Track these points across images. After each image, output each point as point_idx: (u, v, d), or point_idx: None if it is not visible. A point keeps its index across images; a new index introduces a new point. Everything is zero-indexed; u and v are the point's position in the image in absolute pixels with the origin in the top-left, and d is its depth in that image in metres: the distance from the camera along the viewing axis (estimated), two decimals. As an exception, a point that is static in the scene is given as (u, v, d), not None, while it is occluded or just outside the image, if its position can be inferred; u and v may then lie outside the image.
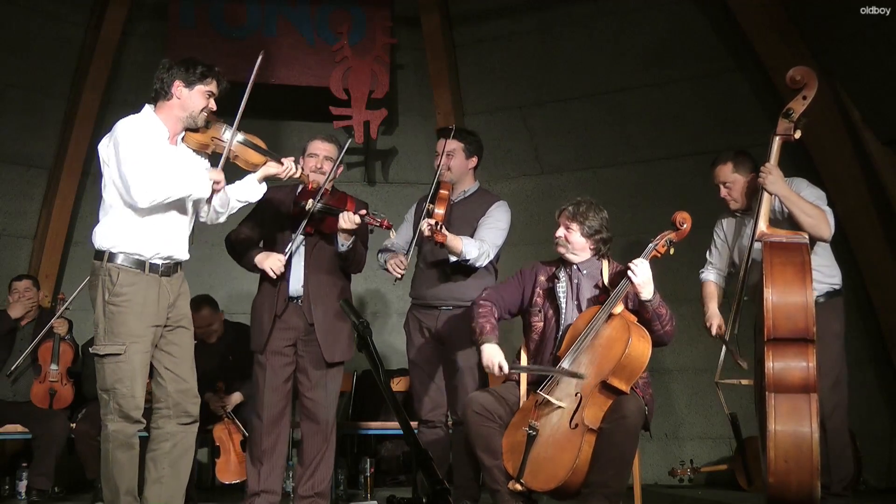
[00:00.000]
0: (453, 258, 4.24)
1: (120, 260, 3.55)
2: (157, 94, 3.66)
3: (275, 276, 4.23)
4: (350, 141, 4.45)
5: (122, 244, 3.55)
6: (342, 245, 4.23)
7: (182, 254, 3.71)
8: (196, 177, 3.61)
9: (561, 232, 3.94)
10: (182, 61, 3.67)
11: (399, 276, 4.32)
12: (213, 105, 3.69)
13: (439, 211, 4.24)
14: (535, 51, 6.43)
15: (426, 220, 4.15)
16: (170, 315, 3.65)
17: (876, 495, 5.20)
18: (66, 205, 6.25)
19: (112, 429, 3.52)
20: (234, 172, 3.83)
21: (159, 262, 3.62)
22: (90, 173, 6.36)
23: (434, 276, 4.39)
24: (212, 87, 3.66)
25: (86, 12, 6.24)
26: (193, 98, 3.64)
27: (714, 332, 4.25)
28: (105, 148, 3.59)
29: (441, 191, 4.33)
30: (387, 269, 4.44)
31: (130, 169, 3.46)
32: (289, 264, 4.30)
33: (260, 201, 4.10)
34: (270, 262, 4.22)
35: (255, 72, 3.76)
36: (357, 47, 6.44)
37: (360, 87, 6.42)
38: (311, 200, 4.20)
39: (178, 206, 3.62)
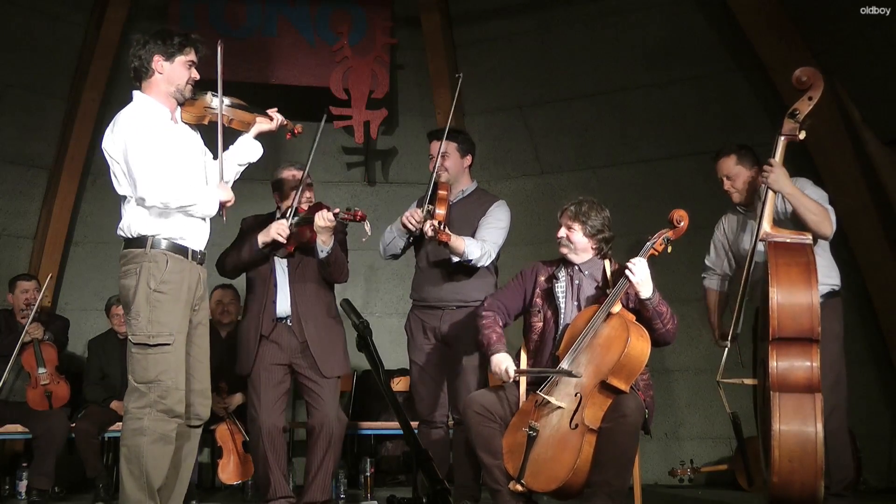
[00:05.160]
0: (455, 259, 4.24)
1: (165, 246, 3.43)
2: (138, 73, 3.52)
3: (283, 240, 4.22)
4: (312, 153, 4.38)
5: (165, 230, 3.43)
6: (322, 250, 4.23)
7: (207, 238, 3.63)
8: (206, 195, 3.51)
9: (563, 232, 3.94)
10: (157, 33, 3.53)
11: (413, 227, 4.26)
12: (196, 74, 3.55)
13: (440, 211, 4.23)
14: (535, 51, 6.42)
15: (429, 221, 4.14)
16: (196, 307, 3.55)
17: (876, 495, 5.19)
18: (66, 205, 6.25)
19: (148, 423, 3.34)
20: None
21: (198, 248, 3.54)
22: (90, 173, 6.37)
23: (436, 277, 4.39)
24: (191, 56, 3.52)
25: (86, 12, 6.24)
26: (176, 70, 3.50)
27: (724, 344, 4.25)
28: (112, 144, 3.46)
29: (440, 191, 4.32)
30: (393, 243, 4.45)
31: (141, 169, 3.35)
32: (274, 285, 4.35)
33: (242, 229, 4.21)
34: (276, 229, 4.22)
35: (220, 65, 3.67)
36: (357, 47, 6.44)
37: (360, 87, 6.42)
38: (285, 220, 4.25)
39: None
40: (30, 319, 5.41)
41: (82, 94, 6.17)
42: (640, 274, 3.70)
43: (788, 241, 3.83)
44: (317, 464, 4.36)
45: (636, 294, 3.73)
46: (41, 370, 5.41)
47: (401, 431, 3.13)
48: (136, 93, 3.57)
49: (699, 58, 5.93)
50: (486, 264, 4.32)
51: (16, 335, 5.50)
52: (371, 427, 5.87)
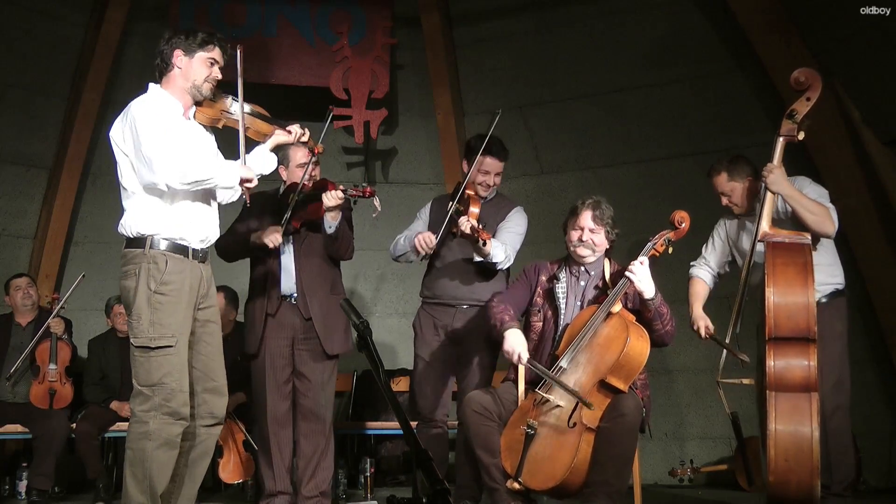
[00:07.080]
0: (478, 258, 4.26)
1: (164, 246, 3.37)
2: (160, 68, 3.49)
3: (273, 248, 4.20)
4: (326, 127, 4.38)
5: (164, 229, 3.37)
6: (330, 227, 4.23)
7: (216, 235, 3.59)
8: (223, 167, 3.44)
9: (587, 235, 3.92)
10: (183, 30, 3.52)
11: (424, 252, 4.29)
12: (217, 73, 3.51)
13: (475, 209, 4.22)
14: (535, 51, 6.43)
15: (466, 219, 4.13)
16: (201, 305, 3.49)
17: (876, 495, 5.19)
18: (66, 205, 6.25)
19: (154, 426, 3.30)
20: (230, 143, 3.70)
21: (199, 246, 3.48)
22: (90, 173, 6.37)
23: (452, 276, 4.41)
24: (214, 54, 3.49)
25: (86, 12, 6.24)
26: (195, 66, 3.46)
27: (703, 334, 4.26)
28: (120, 133, 3.40)
29: (468, 191, 4.32)
30: (405, 256, 4.47)
31: (154, 147, 3.27)
32: (279, 263, 4.32)
33: (243, 208, 4.13)
34: (269, 236, 4.20)
35: (240, 66, 3.60)
36: (357, 47, 6.44)
37: (360, 87, 6.42)
38: (291, 195, 4.24)
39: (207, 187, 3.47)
40: (53, 313, 5.44)
41: (82, 94, 6.17)
42: (640, 274, 3.70)
43: (787, 241, 3.84)
44: (309, 452, 4.33)
45: (638, 295, 3.74)
46: (52, 366, 5.41)
47: (401, 431, 3.13)
48: (151, 84, 3.53)
49: (699, 58, 5.93)
50: (505, 267, 4.36)
51: (19, 333, 5.54)
52: (371, 427, 5.88)
